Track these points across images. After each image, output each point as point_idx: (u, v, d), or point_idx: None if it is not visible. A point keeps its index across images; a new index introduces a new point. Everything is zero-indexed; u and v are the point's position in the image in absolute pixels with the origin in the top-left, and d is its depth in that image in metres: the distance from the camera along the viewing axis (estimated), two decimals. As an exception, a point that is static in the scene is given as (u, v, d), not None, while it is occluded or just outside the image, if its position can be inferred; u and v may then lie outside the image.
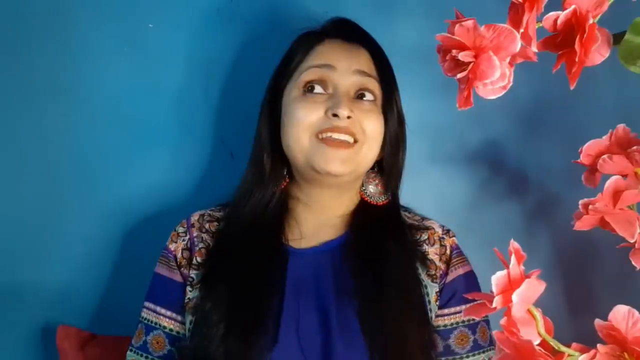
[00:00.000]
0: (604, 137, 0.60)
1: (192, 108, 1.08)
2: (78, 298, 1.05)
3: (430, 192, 1.08)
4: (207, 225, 0.87)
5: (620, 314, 0.46)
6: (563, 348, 0.48)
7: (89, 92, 1.06)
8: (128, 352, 0.85)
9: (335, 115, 0.80)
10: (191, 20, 1.07)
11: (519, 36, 0.47)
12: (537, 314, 0.48)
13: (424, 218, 0.90)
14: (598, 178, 0.59)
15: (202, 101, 1.08)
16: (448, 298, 0.84)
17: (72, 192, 1.06)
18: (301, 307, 0.79)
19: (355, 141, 0.82)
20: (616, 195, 0.55)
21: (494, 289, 0.46)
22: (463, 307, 0.84)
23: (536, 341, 0.47)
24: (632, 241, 0.55)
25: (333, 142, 0.80)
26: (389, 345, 0.76)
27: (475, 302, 0.49)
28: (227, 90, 1.08)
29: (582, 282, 1.07)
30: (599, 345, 0.46)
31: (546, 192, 1.08)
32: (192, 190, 1.08)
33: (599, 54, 0.47)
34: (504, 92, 0.48)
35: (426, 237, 0.87)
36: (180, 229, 0.88)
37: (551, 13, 0.47)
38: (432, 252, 0.86)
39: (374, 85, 0.85)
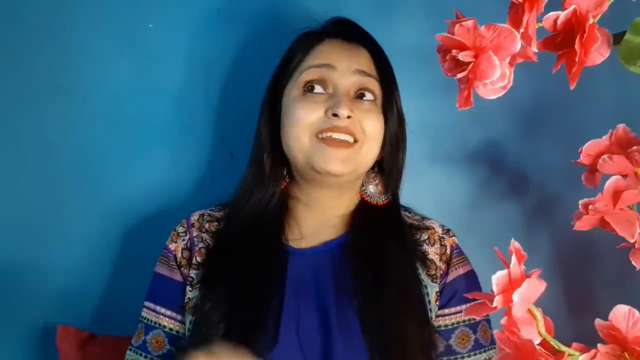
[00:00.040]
0: (604, 137, 0.60)
1: (192, 108, 1.08)
2: (78, 298, 1.05)
3: (430, 192, 1.08)
4: (207, 225, 0.87)
5: (620, 313, 0.46)
6: (563, 348, 0.48)
7: (89, 92, 1.06)
8: (127, 352, 0.85)
9: (335, 115, 0.80)
10: (191, 20, 1.07)
11: (519, 36, 0.47)
12: (538, 313, 0.48)
13: (424, 218, 0.90)
14: (598, 178, 0.59)
15: (202, 101, 1.08)
16: (449, 298, 0.84)
17: (72, 192, 1.06)
18: (301, 307, 0.79)
19: (355, 141, 0.82)
20: (616, 195, 0.55)
21: (495, 289, 0.46)
22: (464, 306, 0.84)
23: (536, 341, 0.47)
24: (632, 241, 0.55)
25: (333, 141, 0.80)
26: (389, 345, 0.76)
27: (475, 302, 0.49)
28: (227, 90, 1.08)
29: (582, 282, 1.07)
30: (599, 345, 0.47)
31: (546, 192, 1.08)
32: (192, 190, 1.08)
33: (599, 54, 0.47)
34: (504, 92, 0.48)
35: (426, 237, 0.87)
36: (180, 229, 0.88)
37: (551, 13, 0.47)
38: (432, 252, 0.86)
39: (374, 85, 0.85)
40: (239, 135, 1.00)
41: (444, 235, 0.88)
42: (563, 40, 0.48)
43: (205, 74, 1.08)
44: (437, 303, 0.84)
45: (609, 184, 0.56)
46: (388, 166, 0.88)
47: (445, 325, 0.83)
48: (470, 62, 0.48)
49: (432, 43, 0.50)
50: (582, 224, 0.57)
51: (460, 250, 0.88)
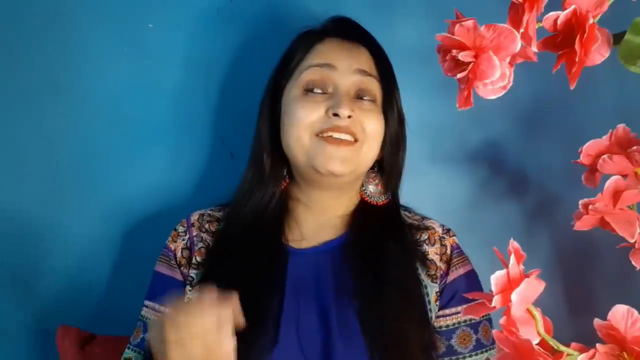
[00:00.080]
0: (604, 137, 0.60)
1: (193, 108, 1.08)
2: (78, 298, 1.05)
3: (430, 192, 1.08)
4: (207, 225, 0.87)
5: (619, 313, 0.46)
6: (562, 347, 0.48)
7: (89, 92, 1.06)
8: (126, 350, 0.84)
9: (336, 114, 0.80)
10: (191, 20, 1.07)
11: (519, 36, 0.47)
12: (537, 313, 0.48)
13: (424, 218, 0.90)
14: (598, 178, 0.59)
15: (202, 101, 1.08)
16: (449, 298, 0.84)
17: (72, 192, 1.06)
18: (301, 307, 0.79)
19: (356, 140, 0.82)
20: (616, 195, 0.56)
21: (493, 289, 0.46)
22: (465, 306, 0.84)
23: (535, 340, 0.47)
24: (632, 241, 0.55)
25: (334, 140, 0.80)
26: (389, 345, 0.76)
27: (475, 302, 0.49)
28: (227, 90, 1.08)
29: (582, 282, 1.07)
30: (598, 345, 0.47)
31: (546, 192, 1.08)
32: (192, 190, 1.08)
33: (599, 54, 0.47)
34: (504, 92, 0.48)
35: (426, 237, 0.87)
36: (180, 229, 0.88)
37: (551, 13, 0.47)
38: (433, 251, 0.86)
39: (374, 84, 0.85)
40: (239, 135, 1.00)
41: (444, 235, 0.88)
42: (563, 40, 0.48)
43: (205, 73, 1.08)
44: (437, 303, 0.84)
45: (609, 184, 0.56)
46: (388, 166, 0.88)
47: (447, 326, 0.83)
48: (470, 62, 0.48)
49: (432, 43, 0.50)
50: (582, 224, 0.57)
51: (460, 250, 0.88)
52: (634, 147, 0.57)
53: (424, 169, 1.08)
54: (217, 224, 0.88)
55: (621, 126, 0.59)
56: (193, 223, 0.88)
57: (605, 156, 0.57)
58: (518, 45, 0.47)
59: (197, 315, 0.63)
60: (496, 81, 0.47)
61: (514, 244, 0.48)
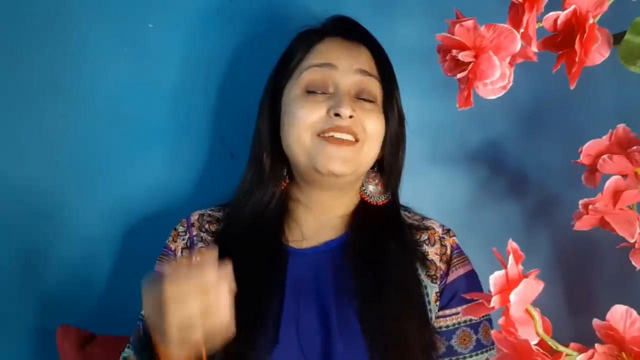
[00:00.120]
0: (604, 137, 0.60)
1: (193, 108, 1.08)
2: (78, 298, 1.05)
3: (430, 192, 1.08)
4: (207, 225, 0.87)
5: (618, 313, 0.46)
6: (561, 348, 0.48)
7: (89, 92, 1.06)
8: (125, 350, 0.84)
9: (337, 114, 0.80)
10: (191, 20, 1.07)
11: (519, 36, 0.47)
12: (535, 313, 0.48)
13: (424, 218, 0.90)
14: (598, 178, 0.59)
15: (202, 101, 1.08)
16: (449, 298, 0.84)
17: (72, 192, 1.06)
18: (301, 307, 0.79)
19: (357, 140, 0.81)
20: (616, 195, 0.56)
21: (492, 289, 0.46)
22: (465, 307, 0.84)
23: (534, 341, 0.47)
24: (632, 241, 0.55)
25: (335, 140, 0.80)
26: (389, 346, 0.76)
27: (474, 302, 0.49)
28: (227, 90, 1.08)
29: (582, 282, 1.07)
30: (596, 345, 0.47)
31: (546, 192, 1.08)
32: (192, 190, 1.08)
33: (599, 54, 0.47)
34: (504, 92, 0.48)
35: (426, 237, 0.87)
36: (181, 228, 0.88)
37: (551, 13, 0.47)
38: (433, 252, 0.86)
39: (375, 84, 0.85)
40: (239, 135, 1.00)
41: (444, 236, 0.88)
42: (563, 40, 0.48)
43: (205, 73, 1.08)
44: (437, 304, 0.84)
45: (609, 184, 0.56)
46: (388, 165, 0.88)
47: (447, 326, 0.83)
48: (470, 62, 0.48)
49: (432, 43, 0.50)
50: (582, 224, 0.57)
51: (460, 251, 0.88)
52: (634, 147, 0.57)
53: (424, 169, 1.08)
54: (217, 224, 0.88)
55: (621, 126, 0.59)
56: (193, 223, 0.88)
57: (605, 156, 0.57)
58: (518, 45, 0.47)
59: (196, 271, 0.62)
60: (496, 81, 0.47)
61: (512, 244, 0.48)
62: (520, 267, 0.48)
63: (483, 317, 0.83)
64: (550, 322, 0.50)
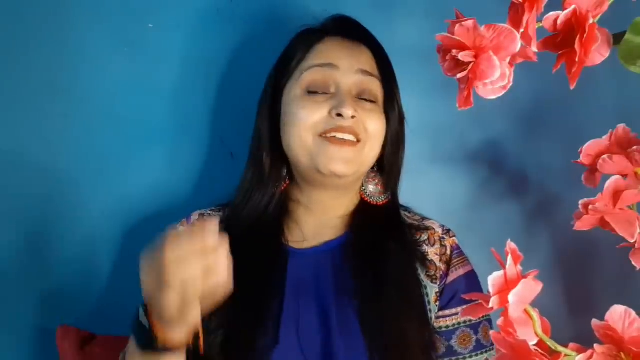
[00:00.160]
0: (604, 137, 0.60)
1: (192, 108, 1.08)
2: (78, 298, 1.05)
3: (430, 192, 1.08)
4: (207, 225, 0.87)
5: (617, 314, 0.46)
6: (560, 348, 0.48)
7: (89, 92, 1.06)
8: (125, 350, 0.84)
9: (339, 115, 0.80)
10: (191, 20, 1.07)
11: (519, 36, 0.47)
12: (534, 314, 0.48)
13: (424, 218, 0.90)
14: (598, 178, 0.59)
15: (202, 101, 1.08)
16: (449, 299, 0.84)
17: (72, 192, 1.06)
18: (301, 307, 0.79)
19: (358, 141, 0.81)
20: (616, 195, 0.55)
21: (491, 290, 0.46)
22: (465, 307, 0.84)
23: (533, 341, 0.47)
24: (632, 241, 0.55)
25: (337, 141, 0.80)
26: (389, 346, 0.76)
27: (473, 302, 0.49)
28: (227, 90, 1.08)
29: (582, 282, 1.07)
30: (595, 346, 0.46)
31: (546, 192, 1.08)
32: (192, 190, 1.08)
33: (599, 54, 0.47)
34: (504, 92, 0.48)
35: (426, 237, 0.87)
36: (181, 228, 0.88)
37: (551, 13, 0.47)
38: (432, 252, 0.86)
39: (376, 84, 0.85)
40: (239, 135, 1.00)
41: (444, 236, 0.87)
42: (563, 40, 0.48)
43: (205, 73, 1.08)
44: (437, 304, 0.84)
45: (609, 184, 0.56)
46: (388, 165, 0.88)
47: (447, 327, 0.83)
48: (470, 62, 0.48)
49: (432, 43, 0.50)
50: (582, 224, 0.57)
51: (460, 251, 0.88)
52: (634, 147, 0.57)
53: (424, 168, 1.08)
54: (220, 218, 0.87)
55: (621, 126, 0.59)
56: (193, 223, 0.88)
57: (605, 156, 0.57)
58: (518, 45, 0.47)
59: (198, 234, 0.62)
60: (496, 81, 0.47)
61: (511, 244, 0.48)
62: (519, 267, 0.48)
63: (483, 317, 0.83)
64: (550, 322, 0.50)
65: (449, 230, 0.89)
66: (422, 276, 0.84)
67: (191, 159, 1.08)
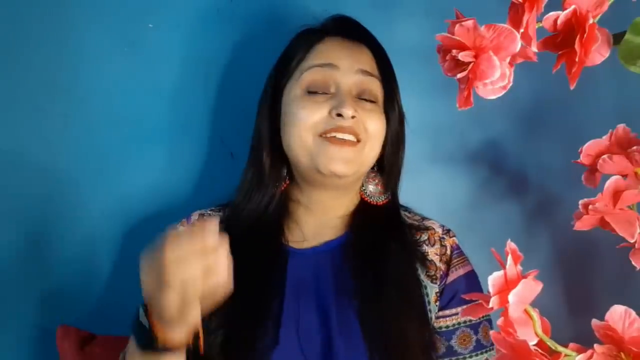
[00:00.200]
0: (604, 137, 0.60)
1: (192, 108, 1.08)
2: (78, 298, 1.05)
3: (430, 192, 1.08)
4: (207, 225, 0.87)
5: (617, 314, 0.46)
6: (560, 348, 0.48)
7: (88, 92, 1.06)
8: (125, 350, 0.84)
9: (339, 115, 0.79)
10: (191, 20, 1.07)
11: (519, 36, 0.47)
12: (534, 314, 0.48)
13: (424, 218, 0.90)
14: (598, 178, 0.59)
15: (202, 101, 1.08)
16: (449, 299, 0.84)
17: (72, 192, 1.06)
18: (301, 307, 0.79)
19: (358, 141, 0.81)
20: (616, 195, 0.55)
21: (491, 290, 0.46)
22: (465, 307, 0.84)
23: (533, 341, 0.47)
24: (632, 241, 0.55)
25: (337, 141, 0.80)
26: (389, 346, 0.76)
27: (473, 302, 0.49)
28: (226, 90, 1.08)
29: (582, 282, 1.07)
30: (595, 346, 0.46)
31: (546, 192, 1.08)
32: (192, 190, 1.08)
33: (599, 54, 0.47)
34: (504, 92, 0.48)
35: (426, 237, 0.87)
36: (181, 228, 0.88)
37: (551, 13, 0.47)
38: (432, 252, 0.86)
39: (376, 85, 0.85)
40: (239, 135, 1.00)
41: (444, 236, 0.87)
42: (563, 40, 0.48)
43: (205, 73, 1.08)
44: (437, 304, 0.84)
45: (609, 184, 0.56)
46: (389, 165, 0.88)
47: (447, 327, 0.83)
48: (470, 62, 0.48)
49: (432, 43, 0.50)
50: (582, 224, 0.57)
51: (460, 251, 0.88)
52: (634, 147, 0.57)
53: (425, 168, 1.08)
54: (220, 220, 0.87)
55: (621, 126, 0.59)
56: (193, 223, 0.88)
57: (605, 156, 0.57)
58: (518, 45, 0.47)
59: (198, 234, 0.62)
60: (496, 81, 0.47)
61: (511, 245, 0.48)
62: (519, 267, 0.48)
63: (483, 317, 0.83)
64: (550, 322, 0.50)
65: (449, 231, 0.89)
66: (422, 276, 0.84)
67: (191, 159, 1.08)
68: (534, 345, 0.46)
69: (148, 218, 1.06)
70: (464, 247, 0.88)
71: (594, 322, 0.47)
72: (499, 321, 0.47)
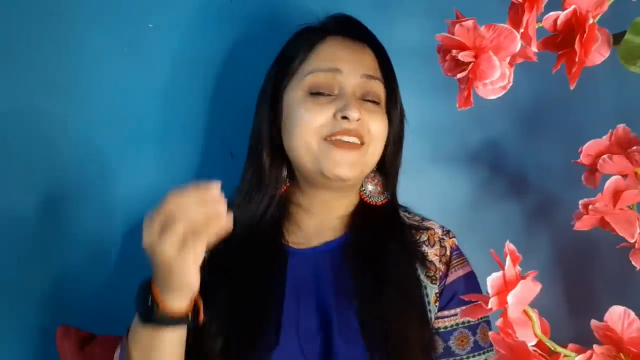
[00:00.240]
0: (604, 137, 0.60)
1: (192, 108, 1.08)
2: (78, 298, 1.05)
3: (431, 192, 1.08)
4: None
5: (616, 314, 0.46)
6: (559, 349, 0.48)
7: (88, 92, 1.06)
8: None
9: (344, 117, 0.79)
10: (191, 20, 1.07)
11: (519, 36, 0.47)
12: (533, 314, 0.48)
13: (423, 219, 0.90)
14: (598, 178, 0.59)
15: (202, 101, 1.08)
16: (448, 299, 0.84)
17: (72, 192, 1.06)
18: (301, 307, 0.79)
19: (362, 143, 0.81)
20: (616, 195, 0.55)
21: (489, 290, 0.46)
22: (463, 308, 0.84)
23: (532, 342, 0.47)
24: (632, 241, 0.54)
25: (342, 144, 0.80)
26: (389, 346, 0.76)
27: (472, 303, 0.49)
28: (226, 90, 1.08)
29: (582, 282, 1.07)
30: (595, 346, 0.46)
31: (546, 192, 1.08)
32: (192, 190, 1.07)
33: (599, 54, 0.47)
34: (504, 92, 0.48)
35: (426, 237, 0.87)
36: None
37: (551, 13, 0.47)
38: (432, 253, 0.86)
39: (379, 87, 0.85)
40: (239, 135, 1.00)
41: (444, 237, 0.87)
42: (563, 40, 0.48)
43: (205, 73, 1.08)
44: (437, 304, 0.83)
45: (609, 184, 0.56)
46: (389, 165, 0.88)
47: (445, 327, 0.83)
48: (470, 62, 0.48)
49: (432, 43, 0.50)
50: (582, 224, 0.57)
51: (460, 252, 0.88)
52: (634, 147, 0.57)
53: (425, 168, 1.08)
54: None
55: (621, 126, 0.59)
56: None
57: (605, 156, 0.57)
58: (518, 45, 0.47)
59: (200, 188, 0.65)
60: (496, 81, 0.47)
61: (509, 245, 0.48)
62: (518, 268, 0.48)
63: (481, 318, 0.83)
64: (549, 323, 0.50)
65: (448, 231, 0.89)
66: (422, 277, 0.84)
67: (191, 159, 1.08)
68: (533, 346, 0.46)
69: (148, 218, 1.06)
70: (464, 247, 0.88)
71: (593, 322, 0.47)
72: (498, 322, 0.47)
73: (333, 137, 0.80)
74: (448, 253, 0.86)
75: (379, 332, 0.77)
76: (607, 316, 0.46)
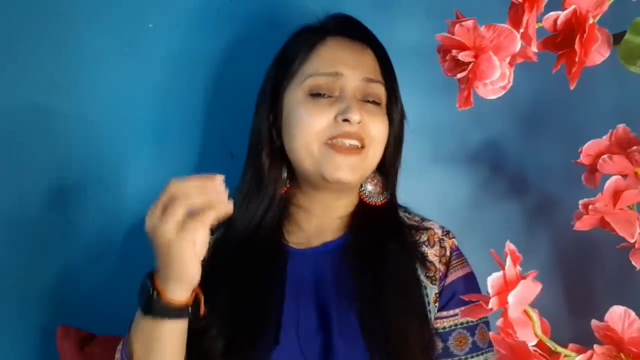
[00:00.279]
0: (604, 137, 0.60)
1: (192, 108, 1.08)
2: (78, 298, 1.05)
3: (431, 192, 1.08)
4: (206, 225, 0.87)
5: (616, 314, 0.46)
6: (559, 349, 0.48)
7: (88, 92, 1.06)
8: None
9: (345, 120, 0.79)
10: (191, 20, 1.07)
11: (519, 36, 0.47)
12: (534, 314, 0.48)
13: (423, 219, 0.90)
14: (598, 178, 0.59)
15: (202, 101, 1.08)
16: (447, 300, 0.84)
17: (72, 192, 1.06)
18: (301, 308, 0.79)
19: (363, 146, 0.81)
20: (616, 195, 0.55)
21: (490, 290, 0.46)
22: (462, 308, 0.84)
23: (533, 342, 0.47)
24: (632, 241, 0.55)
25: (343, 148, 0.79)
26: (389, 346, 0.76)
27: (472, 304, 0.49)
28: (226, 89, 1.08)
29: (582, 282, 1.07)
30: (595, 346, 0.46)
31: (546, 192, 1.08)
32: (192, 190, 1.07)
33: (599, 54, 0.47)
34: (504, 92, 0.48)
35: (425, 238, 0.87)
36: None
37: (551, 13, 0.47)
38: (432, 253, 0.86)
39: (380, 89, 0.84)
40: (239, 135, 1.00)
41: (444, 237, 0.87)
42: (563, 40, 0.48)
43: (205, 73, 1.08)
44: (436, 305, 0.83)
45: (609, 184, 0.56)
46: (389, 165, 0.88)
47: (444, 328, 0.83)
48: (470, 62, 0.48)
49: (432, 43, 0.50)
50: (582, 224, 0.57)
51: (459, 252, 0.87)
52: (634, 147, 0.57)
53: (425, 168, 1.08)
54: (215, 228, 0.87)
55: (621, 126, 0.59)
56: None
57: (605, 156, 0.57)
58: (518, 45, 0.47)
59: (202, 176, 0.65)
60: (496, 81, 0.47)
61: (509, 245, 0.48)
62: (519, 268, 0.48)
63: (480, 319, 0.83)
64: (550, 323, 0.50)
65: (448, 232, 0.88)
66: (422, 277, 0.84)
67: (191, 159, 1.08)
68: (533, 346, 0.46)
69: (148, 218, 1.06)
70: (464, 247, 0.88)
71: (594, 322, 0.47)
72: (499, 322, 0.47)
73: (334, 140, 0.79)
74: (448, 253, 0.86)
75: (379, 332, 0.77)
76: (607, 316, 0.46)
